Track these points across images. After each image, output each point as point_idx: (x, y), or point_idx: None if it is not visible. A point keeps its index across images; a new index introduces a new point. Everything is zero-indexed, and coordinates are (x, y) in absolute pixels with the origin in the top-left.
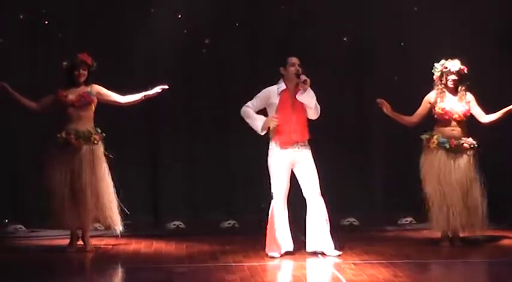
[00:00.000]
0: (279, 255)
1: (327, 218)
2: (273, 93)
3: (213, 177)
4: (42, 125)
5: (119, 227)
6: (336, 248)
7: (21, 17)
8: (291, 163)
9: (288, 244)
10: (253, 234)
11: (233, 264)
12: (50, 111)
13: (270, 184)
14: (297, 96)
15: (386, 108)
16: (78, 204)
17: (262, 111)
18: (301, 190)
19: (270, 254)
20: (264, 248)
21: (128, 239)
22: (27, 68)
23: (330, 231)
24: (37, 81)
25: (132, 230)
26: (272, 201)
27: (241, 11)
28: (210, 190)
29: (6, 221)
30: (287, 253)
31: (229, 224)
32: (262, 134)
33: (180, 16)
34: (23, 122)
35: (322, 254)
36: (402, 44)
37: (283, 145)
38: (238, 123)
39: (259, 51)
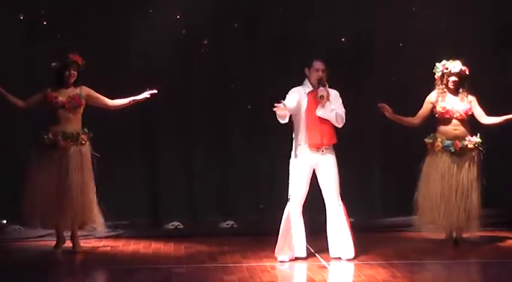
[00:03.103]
0: (288, 260)
1: (347, 223)
2: (301, 94)
3: (211, 177)
4: (42, 124)
5: (103, 228)
6: (354, 252)
7: (21, 17)
8: (311, 166)
9: (301, 250)
10: (251, 235)
11: (231, 264)
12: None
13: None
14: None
15: (388, 112)
16: (64, 204)
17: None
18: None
19: (280, 257)
20: (264, 249)
21: (126, 240)
22: (25, 68)
23: (352, 236)
24: (35, 82)
25: (130, 231)
26: (288, 204)
27: (240, 12)
28: (208, 191)
29: (5, 221)
30: (298, 259)
31: (227, 224)
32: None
33: (178, 17)
34: (22, 122)
35: (340, 258)
36: (401, 44)
37: (311, 147)
38: (237, 124)
39: (257, 52)
